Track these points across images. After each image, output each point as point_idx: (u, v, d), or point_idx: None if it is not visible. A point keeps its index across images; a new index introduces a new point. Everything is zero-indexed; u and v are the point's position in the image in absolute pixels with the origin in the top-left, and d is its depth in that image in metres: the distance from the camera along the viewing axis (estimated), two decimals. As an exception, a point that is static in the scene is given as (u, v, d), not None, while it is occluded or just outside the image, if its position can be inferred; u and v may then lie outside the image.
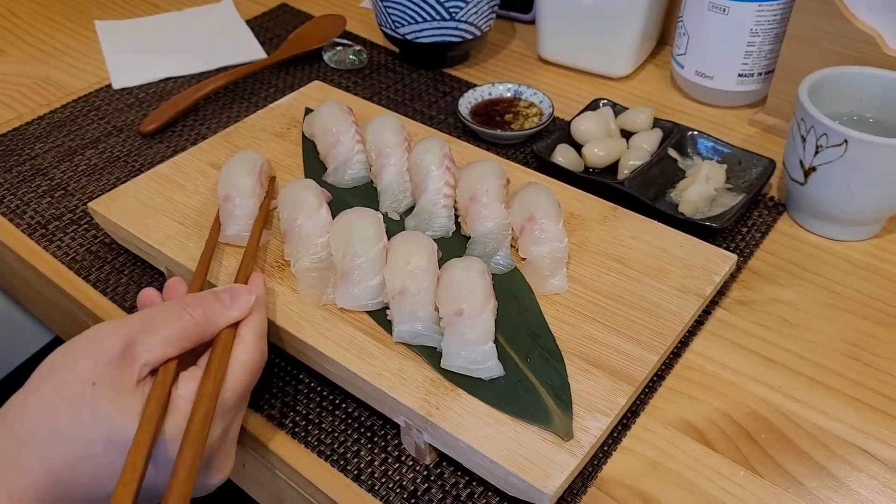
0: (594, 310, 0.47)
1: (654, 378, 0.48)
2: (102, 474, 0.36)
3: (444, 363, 0.43)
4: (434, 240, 0.49)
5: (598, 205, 0.55)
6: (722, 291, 0.54)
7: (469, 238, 0.51)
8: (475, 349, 0.43)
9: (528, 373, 0.43)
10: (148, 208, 0.55)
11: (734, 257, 0.51)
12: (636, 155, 0.62)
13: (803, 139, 0.55)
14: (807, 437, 0.45)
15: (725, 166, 0.61)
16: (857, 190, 0.54)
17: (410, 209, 0.54)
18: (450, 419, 0.41)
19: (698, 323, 0.51)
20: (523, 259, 0.50)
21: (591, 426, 0.41)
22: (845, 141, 0.52)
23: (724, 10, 0.66)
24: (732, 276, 0.55)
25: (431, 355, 0.44)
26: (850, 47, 0.61)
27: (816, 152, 0.54)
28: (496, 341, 0.44)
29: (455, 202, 0.53)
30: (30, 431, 0.35)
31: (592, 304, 0.48)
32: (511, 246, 0.51)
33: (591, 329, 0.46)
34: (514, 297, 0.48)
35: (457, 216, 0.53)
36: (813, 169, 0.55)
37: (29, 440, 0.35)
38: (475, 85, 0.74)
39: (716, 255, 0.51)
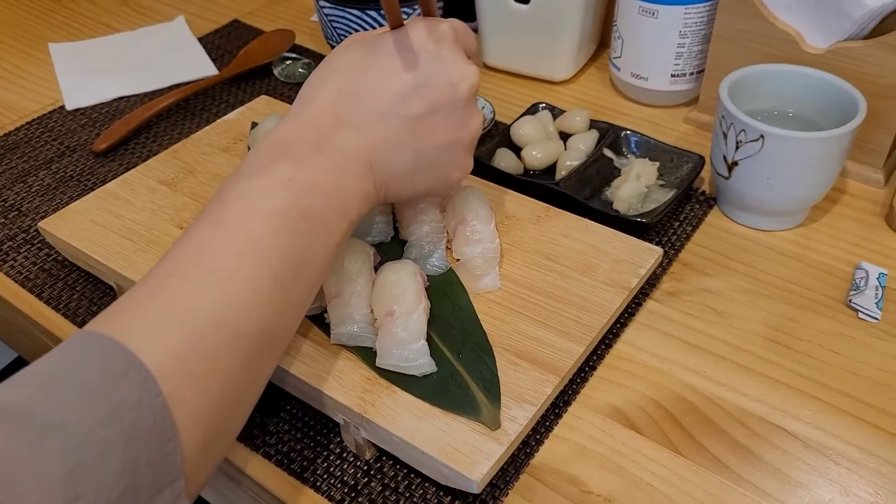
0: (525, 306, 0.50)
1: (586, 368, 0.50)
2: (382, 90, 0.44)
3: (378, 362, 0.45)
4: (373, 244, 0.51)
5: (532, 205, 0.57)
6: (653, 284, 0.56)
7: (406, 242, 0.53)
8: (407, 347, 0.45)
9: (460, 368, 0.46)
10: (96, 226, 0.57)
11: (660, 250, 0.53)
12: (573, 156, 0.65)
13: (725, 135, 0.57)
14: (728, 419, 0.47)
15: (658, 164, 0.63)
16: (776, 182, 0.56)
17: (351, 216, 0.56)
18: (384, 415, 0.43)
19: (630, 314, 0.54)
20: (458, 260, 0.52)
21: (518, 416, 0.43)
22: (762, 136, 0.55)
23: (654, 13, 0.69)
24: (664, 269, 0.57)
25: (367, 355, 0.46)
26: (772, 45, 0.64)
27: (737, 147, 0.56)
28: (430, 339, 0.46)
29: (393, 208, 0.55)
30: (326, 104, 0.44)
31: (523, 300, 0.50)
32: (447, 248, 0.54)
33: (521, 324, 0.48)
34: (447, 297, 0.50)
35: (396, 221, 0.55)
36: (735, 163, 0.57)
37: (320, 104, 0.44)
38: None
39: (642, 249, 0.53)
